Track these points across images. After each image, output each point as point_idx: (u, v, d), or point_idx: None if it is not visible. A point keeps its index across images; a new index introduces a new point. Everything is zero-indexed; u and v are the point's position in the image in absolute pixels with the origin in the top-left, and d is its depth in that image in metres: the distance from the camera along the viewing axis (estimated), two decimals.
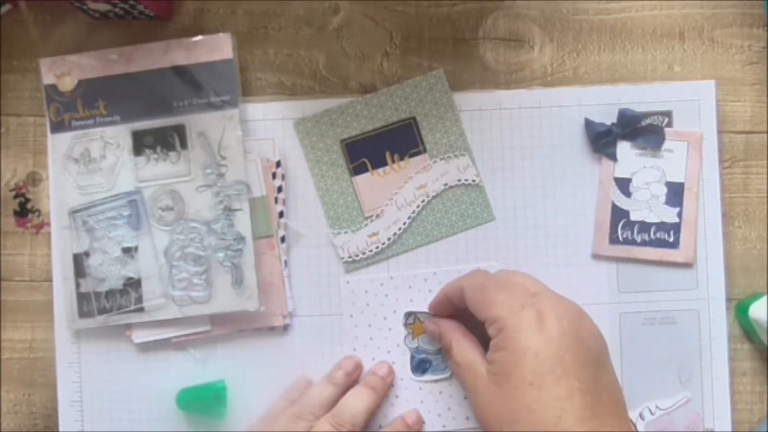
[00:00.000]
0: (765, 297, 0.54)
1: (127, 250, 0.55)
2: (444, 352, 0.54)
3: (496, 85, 0.57)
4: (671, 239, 0.56)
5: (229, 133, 0.55)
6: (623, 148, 0.56)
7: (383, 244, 0.56)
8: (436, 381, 0.55)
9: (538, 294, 0.47)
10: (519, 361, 0.44)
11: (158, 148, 0.56)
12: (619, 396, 0.46)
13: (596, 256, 0.56)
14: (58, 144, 0.56)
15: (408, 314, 0.56)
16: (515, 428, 0.44)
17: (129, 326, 0.56)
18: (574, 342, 0.45)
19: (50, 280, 0.56)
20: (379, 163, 0.56)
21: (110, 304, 0.55)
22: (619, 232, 0.56)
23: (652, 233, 0.56)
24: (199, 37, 0.56)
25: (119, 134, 0.56)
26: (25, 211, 0.58)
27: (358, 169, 0.56)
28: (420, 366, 0.56)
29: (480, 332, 0.50)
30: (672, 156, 0.56)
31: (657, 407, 0.55)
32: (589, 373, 0.44)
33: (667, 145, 0.56)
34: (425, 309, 0.55)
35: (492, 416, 0.45)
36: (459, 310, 0.52)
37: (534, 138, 0.56)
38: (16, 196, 0.58)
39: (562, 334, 0.45)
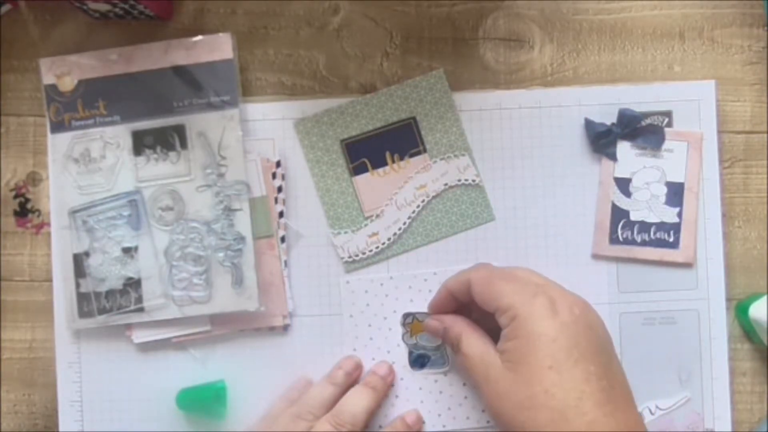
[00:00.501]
0: (765, 297, 0.54)
1: (127, 250, 0.55)
2: (451, 347, 0.53)
3: (496, 85, 0.57)
4: (671, 239, 0.56)
5: (229, 133, 0.55)
6: (623, 148, 0.56)
7: (383, 244, 0.56)
8: (434, 375, 0.55)
9: (545, 285, 0.48)
10: (535, 347, 0.44)
11: (158, 148, 0.56)
12: (627, 384, 0.47)
13: (596, 256, 0.56)
14: (58, 144, 0.56)
15: (406, 315, 0.56)
16: (534, 413, 0.44)
17: (129, 326, 0.56)
18: (587, 329, 0.45)
19: (50, 280, 0.56)
20: (379, 163, 0.56)
21: (110, 304, 0.55)
22: (619, 232, 0.56)
23: (652, 233, 0.56)
24: (199, 37, 0.56)
25: (119, 134, 0.56)
26: (25, 211, 0.58)
27: (358, 169, 0.56)
28: (418, 360, 0.56)
29: (483, 327, 0.50)
30: (672, 156, 0.56)
31: (657, 407, 0.55)
32: (602, 359, 0.45)
33: (667, 145, 0.56)
34: (424, 309, 0.55)
35: (508, 404, 0.45)
36: (460, 306, 0.52)
37: (534, 138, 0.56)
38: (16, 196, 0.58)
39: (575, 320, 0.45)
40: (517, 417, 0.44)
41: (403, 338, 0.56)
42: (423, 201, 0.56)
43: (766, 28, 0.57)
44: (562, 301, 0.46)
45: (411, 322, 0.56)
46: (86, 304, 0.55)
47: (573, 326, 0.45)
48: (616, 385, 0.45)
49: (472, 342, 0.49)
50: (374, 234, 0.56)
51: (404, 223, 0.56)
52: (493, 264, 0.55)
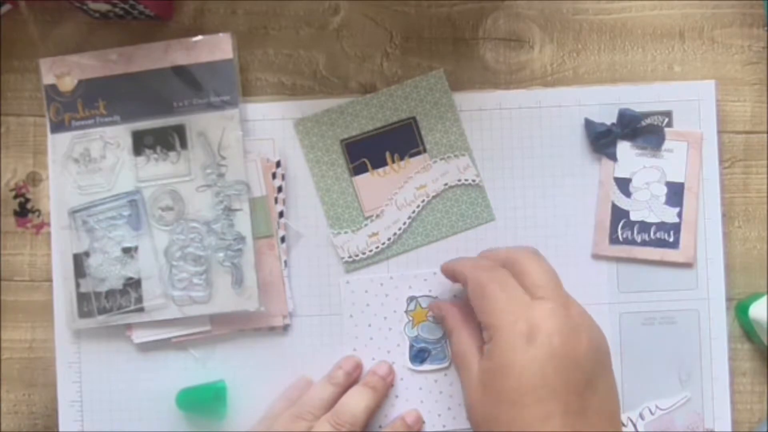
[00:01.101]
0: (765, 297, 0.54)
1: (127, 250, 0.55)
2: (446, 336, 0.54)
3: (496, 85, 0.57)
4: (671, 239, 0.56)
5: (229, 133, 0.55)
6: (623, 148, 0.56)
7: (383, 244, 0.56)
8: (434, 374, 0.55)
9: (538, 301, 0.45)
10: (504, 377, 0.44)
11: (158, 148, 0.56)
12: (610, 411, 0.45)
13: (596, 256, 0.56)
14: (58, 144, 0.56)
15: (410, 299, 0.56)
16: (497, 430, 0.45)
17: (129, 326, 0.56)
18: (563, 362, 0.44)
19: (50, 280, 0.56)
20: (379, 163, 0.56)
21: (110, 304, 0.55)
22: (619, 232, 0.56)
23: (652, 233, 0.56)
24: (199, 37, 0.56)
25: (119, 134, 0.56)
26: (25, 211, 0.58)
27: (358, 169, 0.56)
28: (419, 355, 0.56)
29: None
30: (672, 156, 0.56)
31: (657, 407, 0.55)
32: (575, 396, 0.43)
33: (667, 145, 0.56)
34: (425, 295, 0.55)
35: (477, 415, 0.46)
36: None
37: (534, 138, 0.56)
38: (16, 196, 0.58)
39: (550, 354, 0.43)
40: (482, 426, 0.46)
41: (404, 329, 0.56)
42: (423, 201, 0.56)
43: (766, 28, 0.57)
44: (544, 327, 0.44)
45: (414, 309, 0.56)
46: (86, 304, 0.55)
47: (546, 360, 0.43)
48: (592, 419, 0.43)
49: (462, 340, 0.50)
50: (374, 234, 0.56)
51: (404, 223, 0.56)
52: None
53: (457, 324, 0.51)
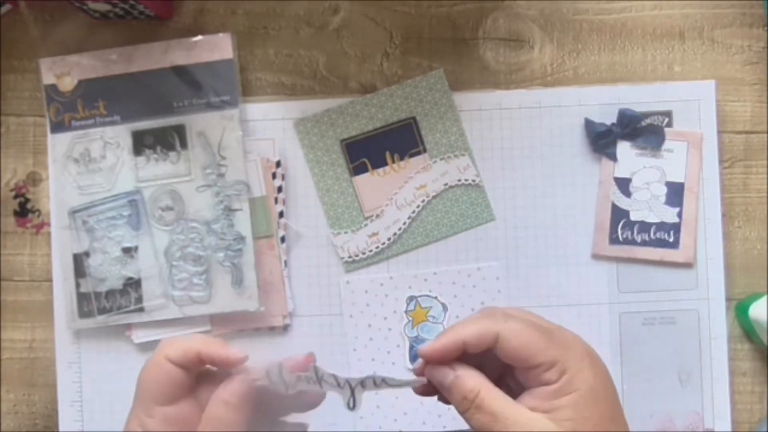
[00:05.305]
0: (765, 297, 0.54)
1: (127, 250, 0.55)
2: (458, 403, 0.41)
3: (496, 85, 0.57)
4: (671, 239, 0.56)
5: (229, 133, 0.55)
6: (623, 148, 0.56)
7: (383, 244, 0.56)
8: None
9: (581, 340, 0.43)
10: (597, 398, 0.41)
11: (158, 148, 0.56)
12: None
13: (596, 256, 0.56)
14: (58, 144, 0.56)
15: (410, 299, 0.56)
16: None
17: (129, 326, 0.56)
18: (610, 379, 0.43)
19: (50, 280, 0.56)
20: (379, 163, 0.56)
21: (110, 304, 0.55)
22: (619, 232, 0.56)
23: (652, 233, 0.56)
24: (199, 37, 0.56)
25: (119, 134, 0.56)
26: (25, 211, 0.58)
27: (358, 169, 0.56)
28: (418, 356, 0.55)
29: None
30: (672, 156, 0.56)
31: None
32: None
33: (667, 145, 0.56)
34: (425, 295, 0.55)
35: None
36: (459, 359, 0.42)
37: (534, 138, 0.56)
38: (16, 196, 0.58)
39: (608, 376, 0.42)
40: None
41: (404, 329, 0.56)
42: (423, 201, 0.56)
43: (766, 28, 0.57)
44: (594, 354, 0.43)
45: (414, 309, 0.56)
46: (86, 304, 0.55)
47: (611, 383, 0.43)
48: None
49: (499, 399, 0.40)
50: (374, 234, 0.56)
51: (404, 223, 0.56)
52: (493, 264, 0.55)
53: (482, 383, 0.41)
